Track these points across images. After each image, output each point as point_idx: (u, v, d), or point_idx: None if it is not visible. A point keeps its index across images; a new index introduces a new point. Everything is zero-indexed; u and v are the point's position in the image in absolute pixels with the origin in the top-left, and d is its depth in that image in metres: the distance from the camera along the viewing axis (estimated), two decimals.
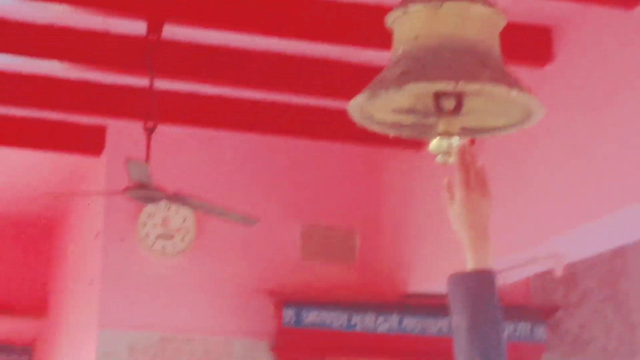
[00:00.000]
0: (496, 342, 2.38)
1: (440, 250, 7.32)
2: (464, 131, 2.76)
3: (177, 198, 6.20)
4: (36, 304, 10.95)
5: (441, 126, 2.56)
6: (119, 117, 7.49)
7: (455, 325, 2.41)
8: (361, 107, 2.60)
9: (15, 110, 7.58)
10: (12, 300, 10.88)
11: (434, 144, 2.57)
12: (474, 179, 2.53)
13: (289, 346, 8.17)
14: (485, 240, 2.51)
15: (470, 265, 2.48)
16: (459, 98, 2.54)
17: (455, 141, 2.53)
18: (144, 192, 5.99)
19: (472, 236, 2.51)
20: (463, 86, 2.40)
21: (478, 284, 2.44)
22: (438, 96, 2.55)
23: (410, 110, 2.70)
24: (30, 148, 8.26)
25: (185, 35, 6.42)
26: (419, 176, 7.85)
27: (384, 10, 2.63)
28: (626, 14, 5.42)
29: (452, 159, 2.54)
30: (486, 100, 2.62)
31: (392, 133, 2.76)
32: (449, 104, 2.54)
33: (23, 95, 7.17)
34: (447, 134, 2.55)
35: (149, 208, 7.99)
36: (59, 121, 7.91)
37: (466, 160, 2.52)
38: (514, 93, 2.43)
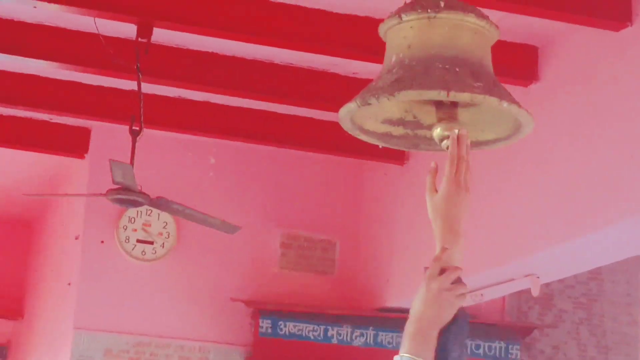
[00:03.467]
0: None
1: (417, 265, 7.33)
2: None
3: (159, 202, 6.17)
4: (12, 304, 10.89)
5: (440, 113, 2.55)
6: (104, 119, 7.48)
7: None
8: (352, 115, 2.60)
9: (1, 108, 7.57)
10: None
11: (437, 131, 2.53)
12: (463, 173, 2.45)
13: (265, 356, 8.17)
14: (458, 237, 2.40)
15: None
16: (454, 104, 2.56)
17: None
18: (127, 195, 5.97)
19: (445, 230, 2.41)
20: (454, 96, 2.41)
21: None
22: (438, 104, 2.55)
23: (400, 122, 2.71)
24: (13, 147, 8.24)
25: (174, 39, 6.44)
26: (400, 190, 7.87)
27: (373, 22, 2.63)
28: (613, 36, 5.46)
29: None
30: (476, 113, 2.63)
31: (381, 144, 2.76)
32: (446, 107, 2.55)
33: (9, 94, 7.15)
34: (447, 119, 2.53)
35: (130, 212, 7.99)
36: (44, 121, 7.90)
37: (461, 152, 2.45)
38: (504, 104, 2.44)
